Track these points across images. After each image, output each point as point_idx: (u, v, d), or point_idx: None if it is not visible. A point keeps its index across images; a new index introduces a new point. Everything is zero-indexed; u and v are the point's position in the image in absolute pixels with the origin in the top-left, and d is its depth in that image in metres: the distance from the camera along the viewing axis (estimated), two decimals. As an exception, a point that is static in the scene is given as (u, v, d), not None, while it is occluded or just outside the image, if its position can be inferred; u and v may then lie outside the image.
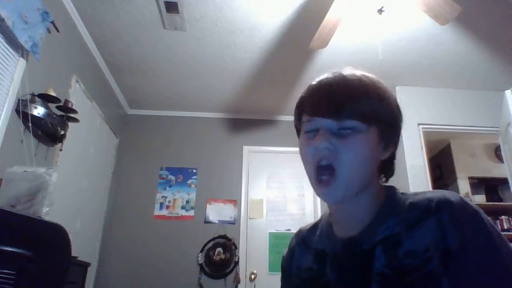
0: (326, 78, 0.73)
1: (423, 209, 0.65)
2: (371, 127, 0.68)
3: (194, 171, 4.33)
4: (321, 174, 0.68)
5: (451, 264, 0.60)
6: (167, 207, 4.16)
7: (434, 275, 0.59)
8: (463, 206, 0.63)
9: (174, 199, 4.19)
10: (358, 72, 0.73)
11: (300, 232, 0.87)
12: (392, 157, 0.75)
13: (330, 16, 2.45)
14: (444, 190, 0.68)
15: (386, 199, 0.72)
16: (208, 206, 4.17)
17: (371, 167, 0.70)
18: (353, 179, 0.68)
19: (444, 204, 0.64)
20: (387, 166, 0.75)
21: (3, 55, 2.11)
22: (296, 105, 0.80)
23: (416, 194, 0.71)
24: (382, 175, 0.76)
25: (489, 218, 0.64)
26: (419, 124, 3.73)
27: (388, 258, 0.64)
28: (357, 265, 0.67)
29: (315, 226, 0.83)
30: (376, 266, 0.64)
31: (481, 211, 0.64)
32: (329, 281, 0.71)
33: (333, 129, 0.68)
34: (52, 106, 2.53)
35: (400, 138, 0.76)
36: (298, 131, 0.80)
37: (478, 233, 0.61)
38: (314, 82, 0.75)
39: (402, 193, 0.73)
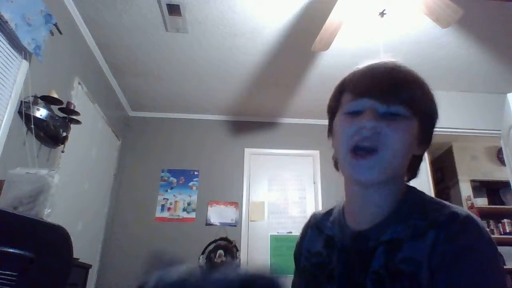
0: (377, 63, 0.73)
1: (431, 221, 0.64)
2: (415, 116, 0.68)
3: (195, 173, 4.33)
4: (359, 150, 0.66)
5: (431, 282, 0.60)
6: (169, 209, 4.16)
7: (422, 286, 0.60)
8: (467, 231, 0.61)
9: (176, 201, 4.20)
10: (415, 72, 0.73)
11: (314, 215, 0.87)
12: (420, 157, 0.75)
13: (332, 19, 2.45)
14: (469, 212, 0.64)
15: (405, 200, 0.70)
16: (209, 208, 4.16)
17: (407, 158, 0.69)
18: (391, 164, 0.66)
19: (448, 222, 0.62)
20: (415, 164, 0.75)
21: (6, 57, 2.12)
22: (338, 85, 0.77)
23: (437, 203, 0.68)
24: (407, 175, 0.75)
25: (496, 255, 0.62)
26: (420, 127, 3.73)
27: (386, 260, 0.64)
28: (360, 261, 0.67)
29: (329, 212, 0.83)
30: (374, 265, 0.65)
31: (487, 246, 0.61)
32: (334, 270, 0.71)
33: (380, 111, 0.66)
34: (55, 108, 2.54)
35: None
36: (333, 113, 0.76)
37: (464, 265, 0.59)
38: (361, 66, 0.74)
39: (423, 197, 0.71)
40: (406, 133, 0.66)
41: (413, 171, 0.75)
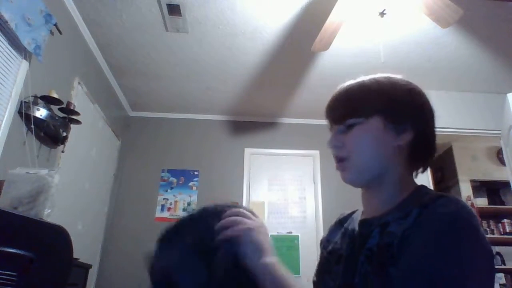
0: (339, 87, 0.84)
1: (418, 205, 0.68)
2: (371, 117, 0.76)
3: (195, 173, 4.34)
4: (337, 162, 0.80)
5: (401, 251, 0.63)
6: (169, 209, 4.16)
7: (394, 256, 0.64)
8: (452, 216, 0.62)
9: (176, 201, 4.20)
10: (378, 76, 0.81)
11: (342, 214, 0.95)
12: (419, 141, 0.76)
13: (332, 19, 2.45)
14: (461, 201, 0.65)
15: (411, 196, 0.74)
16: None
17: (383, 152, 0.76)
18: (366, 164, 0.76)
19: (435, 204, 0.65)
20: (416, 151, 0.77)
21: (6, 57, 2.12)
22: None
23: (435, 193, 0.71)
24: (415, 170, 0.79)
25: (483, 245, 0.61)
26: (421, 127, 3.73)
27: (379, 239, 0.70)
28: (360, 242, 0.74)
29: (354, 212, 0.90)
30: (369, 242, 0.71)
31: (464, 214, 0.62)
32: (342, 254, 0.78)
33: (340, 130, 0.79)
34: (55, 108, 2.54)
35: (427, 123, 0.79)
36: None
37: (436, 226, 0.61)
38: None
39: (427, 192, 0.73)
40: (364, 135, 0.76)
41: (418, 160, 0.78)
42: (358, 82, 0.81)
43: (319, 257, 0.92)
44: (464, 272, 0.57)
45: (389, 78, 0.80)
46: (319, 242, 0.96)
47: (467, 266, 0.57)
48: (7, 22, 1.99)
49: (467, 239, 0.60)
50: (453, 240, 0.59)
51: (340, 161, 0.79)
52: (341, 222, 0.91)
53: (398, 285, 0.60)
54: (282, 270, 0.64)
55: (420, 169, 0.80)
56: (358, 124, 0.76)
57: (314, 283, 0.88)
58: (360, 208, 0.88)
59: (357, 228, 0.79)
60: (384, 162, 0.76)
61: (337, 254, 0.80)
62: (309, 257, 3.85)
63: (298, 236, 4.07)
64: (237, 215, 0.71)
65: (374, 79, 0.80)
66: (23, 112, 2.24)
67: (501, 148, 3.90)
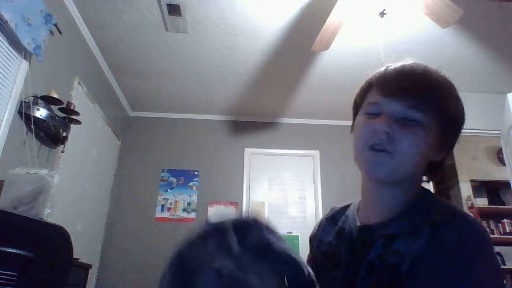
0: (406, 65, 0.74)
1: (429, 221, 0.64)
2: (435, 125, 0.68)
3: (195, 173, 4.33)
4: (374, 148, 0.69)
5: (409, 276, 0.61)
6: (169, 209, 4.16)
7: (401, 278, 0.61)
8: (468, 245, 0.59)
9: (176, 201, 4.19)
10: (445, 75, 0.74)
11: (333, 208, 0.90)
12: (442, 161, 0.75)
13: (332, 19, 2.45)
14: (475, 222, 0.63)
15: (416, 201, 0.71)
16: (209, 208, 4.16)
17: (420, 164, 0.70)
18: (401, 167, 0.67)
19: (448, 227, 0.62)
20: (435, 169, 0.75)
21: (6, 57, 2.12)
22: (366, 81, 0.79)
23: (442, 205, 0.68)
24: (426, 177, 0.76)
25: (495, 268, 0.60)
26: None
27: (382, 251, 0.67)
28: (362, 251, 0.70)
29: (346, 206, 0.86)
30: (371, 254, 0.68)
31: (478, 241, 0.60)
32: (341, 258, 0.75)
33: (397, 116, 0.68)
34: (55, 108, 2.54)
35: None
36: (357, 108, 0.79)
37: (449, 256, 0.58)
38: (392, 65, 0.75)
39: (433, 199, 0.71)
40: (419, 140, 0.67)
41: (434, 174, 0.76)
42: (444, 77, 0.72)
43: (310, 253, 0.88)
44: None
45: (454, 85, 0.73)
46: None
47: None
48: (7, 22, 1.99)
49: (481, 268, 0.58)
50: (467, 268, 0.57)
51: (380, 151, 0.68)
52: (334, 219, 0.86)
53: None
54: None
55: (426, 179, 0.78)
56: (419, 124, 0.67)
57: None
58: (352, 202, 0.85)
59: (355, 231, 0.75)
60: (417, 171, 0.71)
61: (335, 258, 0.76)
62: (309, 257, 3.85)
63: (298, 236, 4.06)
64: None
65: (448, 79, 0.72)
66: (23, 112, 2.24)
67: (501, 148, 3.89)
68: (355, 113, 0.79)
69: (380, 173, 0.69)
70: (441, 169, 0.77)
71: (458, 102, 0.72)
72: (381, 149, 0.67)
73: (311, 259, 0.86)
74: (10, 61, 2.15)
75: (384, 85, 0.72)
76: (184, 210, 4.16)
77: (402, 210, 0.70)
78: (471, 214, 0.64)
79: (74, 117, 2.70)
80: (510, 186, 3.62)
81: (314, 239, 0.88)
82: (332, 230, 0.83)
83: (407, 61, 0.75)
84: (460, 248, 0.58)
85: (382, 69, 0.76)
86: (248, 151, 4.49)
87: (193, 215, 4.14)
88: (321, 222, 0.90)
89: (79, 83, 3.05)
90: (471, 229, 0.61)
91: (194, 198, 4.22)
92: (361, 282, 0.67)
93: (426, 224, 0.64)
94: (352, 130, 0.78)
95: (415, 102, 0.67)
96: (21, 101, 2.25)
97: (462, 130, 0.74)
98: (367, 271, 0.67)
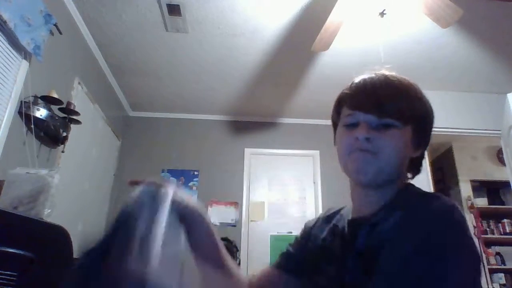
0: (370, 77, 0.80)
1: (405, 205, 0.70)
2: (407, 125, 0.75)
3: (195, 173, 4.34)
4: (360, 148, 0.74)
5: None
6: (169, 209, 4.15)
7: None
8: (433, 217, 0.62)
9: (176, 201, 4.19)
10: (396, 74, 0.81)
11: (329, 209, 0.95)
12: (421, 157, 0.82)
13: (332, 19, 2.45)
14: (446, 199, 0.66)
15: (398, 194, 0.76)
16: (209, 208, 4.16)
17: (402, 163, 0.77)
18: (386, 169, 0.74)
19: (417, 205, 0.67)
20: (415, 165, 0.82)
21: (6, 57, 2.12)
22: (337, 99, 0.86)
23: (423, 194, 0.73)
24: (409, 174, 0.82)
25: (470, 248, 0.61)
26: (421, 127, 3.73)
27: (366, 240, 0.72)
28: (351, 243, 0.75)
29: (342, 208, 0.91)
30: (356, 244, 0.73)
31: (457, 230, 0.61)
32: (334, 252, 0.79)
33: (373, 124, 0.74)
34: (55, 108, 2.54)
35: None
36: (335, 125, 0.86)
37: (413, 232, 0.62)
38: (357, 80, 0.82)
39: (416, 191, 0.76)
40: (398, 141, 0.74)
41: (415, 169, 0.83)
42: (404, 82, 0.79)
43: (299, 244, 0.92)
44: (447, 270, 0.57)
45: (418, 87, 0.80)
46: None
47: (450, 263, 0.57)
48: (6, 22, 1.99)
49: (450, 236, 0.60)
50: (435, 237, 0.59)
51: (365, 150, 0.74)
52: (329, 218, 0.90)
53: (378, 285, 0.60)
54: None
55: (410, 176, 0.83)
56: (394, 127, 0.74)
57: (288, 258, 0.90)
58: (349, 204, 0.88)
59: (346, 226, 0.81)
60: (399, 170, 0.77)
61: (328, 252, 0.81)
62: (309, 257, 3.85)
63: (298, 236, 4.07)
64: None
65: (410, 83, 0.79)
66: (23, 112, 2.24)
67: (501, 148, 3.89)
68: (335, 128, 0.86)
69: (368, 172, 0.74)
70: (421, 163, 0.83)
71: (422, 101, 0.79)
72: (366, 149, 0.73)
73: (303, 249, 0.90)
74: (10, 61, 2.15)
75: (352, 102, 0.79)
76: (184, 210, 4.15)
77: (386, 203, 0.75)
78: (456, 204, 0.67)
79: (74, 117, 2.70)
80: (510, 186, 3.63)
81: (310, 233, 0.92)
82: (326, 228, 0.88)
83: (371, 73, 0.81)
84: (428, 218, 0.62)
85: (348, 86, 0.83)
86: (248, 151, 4.49)
87: (193, 215, 4.13)
88: (318, 219, 0.94)
89: (79, 83, 3.05)
90: (438, 202, 0.64)
91: (194, 198, 4.21)
92: (350, 271, 0.71)
93: (399, 207, 0.70)
94: (335, 143, 0.84)
95: (384, 111, 0.74)
96: (21, 101, 2.25)
97: (434, 127, 0.81)
98: (354, 260, 0.71)
